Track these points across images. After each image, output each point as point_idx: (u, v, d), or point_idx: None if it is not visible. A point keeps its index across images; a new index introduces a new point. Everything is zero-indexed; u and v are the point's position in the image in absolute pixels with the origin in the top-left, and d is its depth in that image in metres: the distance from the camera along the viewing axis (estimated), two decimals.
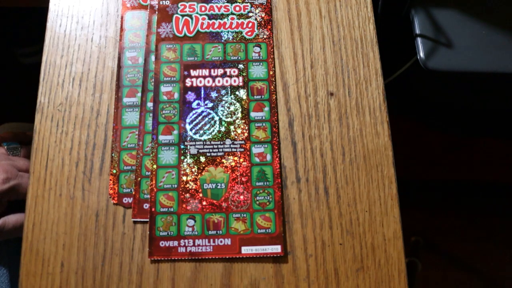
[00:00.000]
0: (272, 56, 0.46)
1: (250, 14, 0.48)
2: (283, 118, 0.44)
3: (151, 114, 0.44)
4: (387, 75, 0.64)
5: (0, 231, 0.45)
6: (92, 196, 0.41)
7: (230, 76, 0.45)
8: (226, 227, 0.41)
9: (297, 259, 0.40)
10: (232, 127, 0.44)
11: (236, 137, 0.43)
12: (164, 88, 0.45)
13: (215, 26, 0.47)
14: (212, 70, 0.45)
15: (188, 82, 0.45)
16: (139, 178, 0.42)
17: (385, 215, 0.41)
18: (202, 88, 0.45)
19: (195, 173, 0.42)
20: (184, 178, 0.42)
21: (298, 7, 0.48)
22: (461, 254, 1.12)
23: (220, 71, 0.45)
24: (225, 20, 0.47)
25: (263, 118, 0.44)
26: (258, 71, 0.46)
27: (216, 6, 0.48)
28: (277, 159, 0.43)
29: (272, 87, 0.45)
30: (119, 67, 0.45)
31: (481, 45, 0.51)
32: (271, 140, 0.43)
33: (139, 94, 0.44)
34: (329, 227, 0.41)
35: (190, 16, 0.47)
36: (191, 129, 0.43)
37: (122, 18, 0.47)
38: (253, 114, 0.44)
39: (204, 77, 0.45)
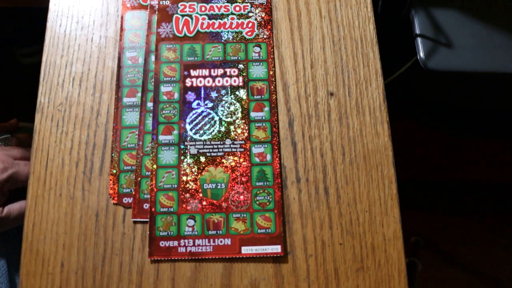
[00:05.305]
0: (272, 56, 0.46)
1: (250, 14, 0.48)
2: (283, 118, 0.44)
3: (151, 114, 0.44)
4: (387, 75, 0.64)
5: (7, 219, 0.47)
6: (92, 196, 0.41)
7: (230, 76, 0.45)
8: (226, 227, 0.41)
9: (297, 259, 0.40)
10: (232, 127, 0.44)
11: (236, 137, 0.43)
12: (164, 88, 0.45)
13: (215, 26, 0.47)
14: (212, 70, 0.45)
15: (188, 82, 0.45)
16: (139, 178, 0.42)
17: (385, 215, 0.41)
18: (202, 88, 0.45)
19: (195, 173, 0.42)
20: (184, 178, 0.42)
21: (298, 7, 0.48)
22: (461, 254, 1.12)
23: (220, 71, 0.45)
24: (225, 20, 0.47)
25: (263, 118, 0.44)
26: (258, 71, 0.46)
27: (216, 6, 0.48)
28: (277, 159, 0.43)
29: (272, 87, 0.45)
30: (119, 67, 0.45)
31: (481, 45, 0.51)
32: (271, 140, 0.43)
33: (139, 94, 0.44)
34: (329, 227, 0.41)
35: (190, 16, 0.47)
36: (191, 129, 0.43)
37: (122, 18, 0.47)
38: (253, 114, 0.44)
39: (204, 77, 0.45)
